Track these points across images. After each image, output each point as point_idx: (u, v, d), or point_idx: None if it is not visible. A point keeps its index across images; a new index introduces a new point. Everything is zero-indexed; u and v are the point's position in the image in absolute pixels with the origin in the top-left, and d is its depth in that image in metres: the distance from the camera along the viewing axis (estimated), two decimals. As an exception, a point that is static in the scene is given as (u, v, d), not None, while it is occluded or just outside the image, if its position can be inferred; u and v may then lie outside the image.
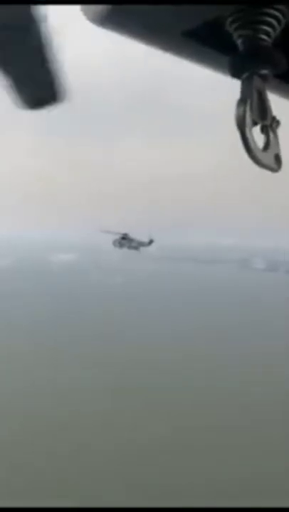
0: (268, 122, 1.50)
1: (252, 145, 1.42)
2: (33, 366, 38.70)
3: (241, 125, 1.40)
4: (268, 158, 1.49)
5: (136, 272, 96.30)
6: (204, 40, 1.51)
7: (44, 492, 20.90)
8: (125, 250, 59.08)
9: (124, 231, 57.23)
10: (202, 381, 35.68)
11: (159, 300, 70.12)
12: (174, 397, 32.32)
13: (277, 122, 1.53)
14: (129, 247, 57.07)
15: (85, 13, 1.45)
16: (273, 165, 1.51)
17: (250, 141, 1.42)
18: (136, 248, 56.80)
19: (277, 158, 1.53)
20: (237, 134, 1.42)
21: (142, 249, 59.37)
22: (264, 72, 1.43)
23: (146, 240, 56.98)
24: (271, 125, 1.52)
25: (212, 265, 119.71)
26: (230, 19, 1.41)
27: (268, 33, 1.41)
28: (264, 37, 1.41)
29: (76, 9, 1.52)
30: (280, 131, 1.57)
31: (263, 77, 1.44)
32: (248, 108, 1.41)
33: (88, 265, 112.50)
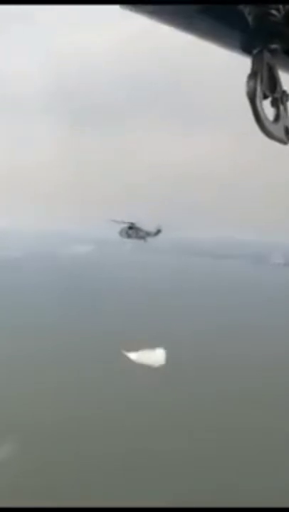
0: (278, 95, 1.62)
1: (262, 116, 1.55)
2: (42, 358, 39.11)
3: (252, 97, 1.52)
4: (278, 130, 1.62)
5: (145, 265, 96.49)
6: (216, 17, 1.61)
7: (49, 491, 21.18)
8: (136, 243, 58.50)
9: (132, 221, 56.66)
10: (212, 372, 35.78)
11: (165, 293, 70.00)
12: (188, 391, 32.40)
13: (287, 96, 1.66)
14: (136, 237, 56.43)
15: None
16: (283, 137, 1.65)
17: (260, 112, 1.54)
18: (143, 238, 56.20)
19: (287, 131, 1.66)
20: (255, 126, 1.54)
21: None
22: (274, 46, 1.55)
23: (153, 230, 56.43)
24: (281, 98, 1.63)
25: (225, 260, 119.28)
26: None
27: (278, 9, 1.51)
28: (274, 12, 1.51)
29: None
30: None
31: (273, 52, 1.56)
32: (258, 81, 1.53)
33: (99, 258, 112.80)
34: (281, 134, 1.62)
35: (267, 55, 1.54)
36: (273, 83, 1.59)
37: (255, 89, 1.52)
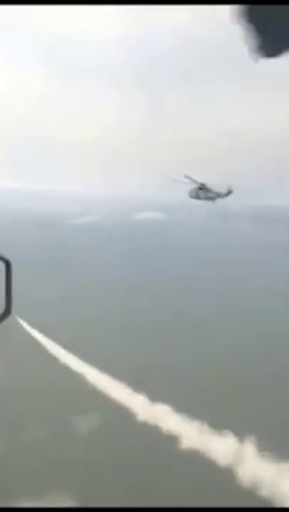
0: None
1: None
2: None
3: None
4: None
5: (215, 229, 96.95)
6: None
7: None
8: (209, 208, 59.11)
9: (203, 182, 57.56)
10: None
11: (227, 257, 70.61)
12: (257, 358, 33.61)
13: None
14: (205, 198, 57.26)
15: None
16: None
17: None
18: (212, 199, 56.99)
19: None
20: None
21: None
22: None
23: (224, 190, 56.96)
24: None
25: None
26: None
27: None
28: None
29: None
30: None
31: None
32: None
33: (171, 222, 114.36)
34: None
35: None
36: None
37: None
